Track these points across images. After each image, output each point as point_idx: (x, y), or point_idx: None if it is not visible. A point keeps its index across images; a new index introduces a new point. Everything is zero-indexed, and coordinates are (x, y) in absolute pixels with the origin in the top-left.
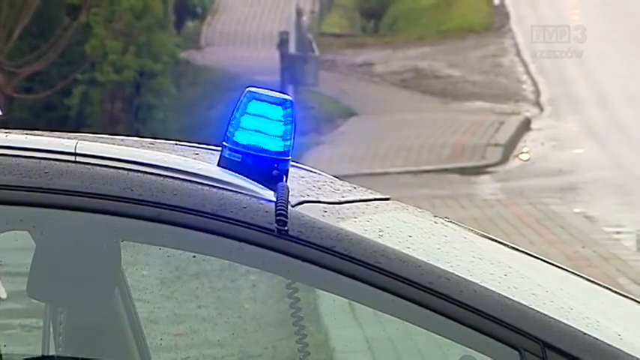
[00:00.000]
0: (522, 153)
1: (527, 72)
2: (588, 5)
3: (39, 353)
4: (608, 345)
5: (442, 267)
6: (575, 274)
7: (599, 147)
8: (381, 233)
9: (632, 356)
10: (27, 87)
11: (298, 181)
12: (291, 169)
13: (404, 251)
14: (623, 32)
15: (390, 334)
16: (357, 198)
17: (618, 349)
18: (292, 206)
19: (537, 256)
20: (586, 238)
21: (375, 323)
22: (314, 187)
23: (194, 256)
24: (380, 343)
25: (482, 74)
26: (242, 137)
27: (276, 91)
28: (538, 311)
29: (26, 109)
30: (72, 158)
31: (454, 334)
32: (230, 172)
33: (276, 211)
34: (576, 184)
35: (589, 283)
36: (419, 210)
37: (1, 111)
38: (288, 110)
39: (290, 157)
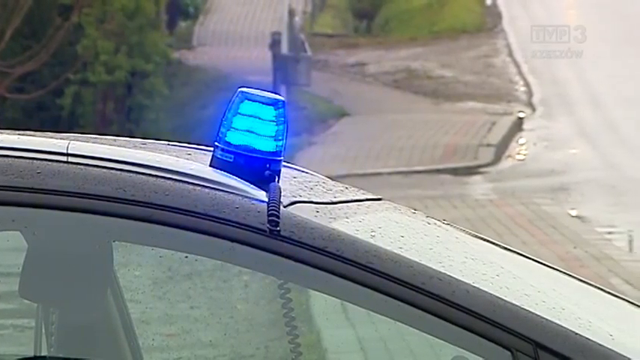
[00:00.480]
0: (518, 153)
1: (520, 72)
2: (582, 5)
3: (31, 354)
4: (600, 345)
5: (434, 267)
6: (568, 274)
7: (592, 147)
8: (373, 233)
9: (624, 356)
10: (19, 87)
11: (290, 182)
12: (283, 170)
13: (396, 251)
14: (616, 33)
15: (383, 335)
16: (349, 198)
17: (610, 350)
18: (284, 206)
19: (529, 256)
20: (578, 238)
21: (367, 323)
22: (306, 187)
23: (186, 257)
24: (372, 343)
25: (475, 75)
26: (234, 138)
27: (269, 92)
28: (530, 311)
29: (18, 109)
30: (64, 159)
31: (446, 335)
32: (222, 172)
33: (268, 211)
34: (568, 184)
35: (581, 283)
36: (411, 210)
37: None
38: (281, 110)
39: (282, 158)
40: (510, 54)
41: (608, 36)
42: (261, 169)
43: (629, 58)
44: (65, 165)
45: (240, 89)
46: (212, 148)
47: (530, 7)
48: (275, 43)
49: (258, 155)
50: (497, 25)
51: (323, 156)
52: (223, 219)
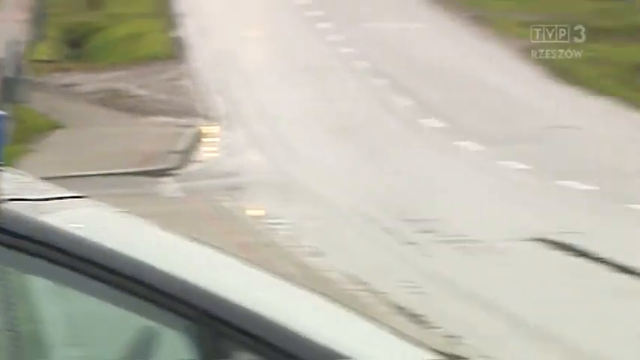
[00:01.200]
0: (202, 159)
1: (204, 92)
2: (261, 41)
3: None
4: (262, 316)
5: (129, 254)
6: (241, 259)
7: (265, 155)
8: (78, 226)
9: (280, 325)
10: None
11: (7, 182)
12: (2, 172)
13: (98, 241)
14: (286, 64)
15: (89, 311)
16: (58, 196)
17: (269, 319)
18: (2, 203)
19: (211, 244)
20: (251, 228)
21: (76, 301)
22: (21, 187)
23: None
24: (81, 318)
25: (166, 94)
26: None
27: None
28: (205, 288)
29: None
30: None
31: (136, 308)
32: None
33: None
34: (244, 184)
35: (251, 268)
36: (110, 206)
37: None
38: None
39: (1, 162)
40: (194, 77)
41: (278, 65)
42: None
43: (294, 85)
44: None
45: None
46: None
47: (210, 39)
48: (1, 68)
49: None
50: (184, 53)
51: (41, 161)
52: None
